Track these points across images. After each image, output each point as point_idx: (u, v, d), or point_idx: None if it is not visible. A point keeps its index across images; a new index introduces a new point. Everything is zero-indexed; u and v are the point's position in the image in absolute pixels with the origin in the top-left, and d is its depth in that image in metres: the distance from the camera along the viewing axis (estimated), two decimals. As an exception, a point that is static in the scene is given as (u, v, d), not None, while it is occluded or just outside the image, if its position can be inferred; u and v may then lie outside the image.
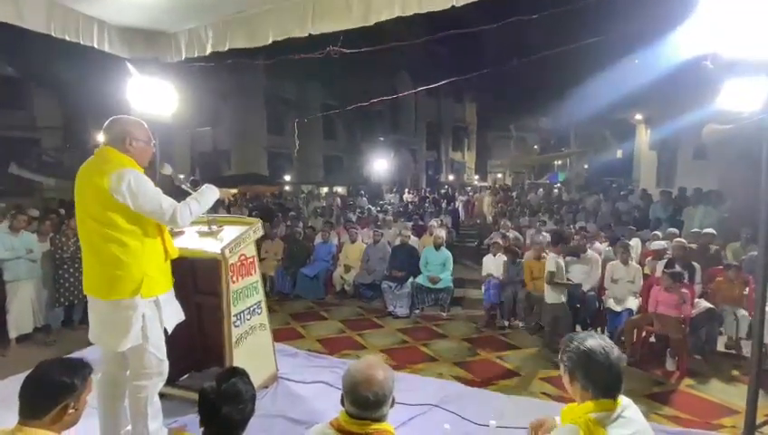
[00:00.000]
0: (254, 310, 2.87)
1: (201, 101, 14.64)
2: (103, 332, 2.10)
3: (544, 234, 6.99)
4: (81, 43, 3.09)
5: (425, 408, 2.72)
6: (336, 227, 8.19)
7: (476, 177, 31.43)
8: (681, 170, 12.18)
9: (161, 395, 2.28)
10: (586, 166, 21.42)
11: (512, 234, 7.21)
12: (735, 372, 3.86)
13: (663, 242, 5.34)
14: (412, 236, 6.94)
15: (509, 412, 2.71)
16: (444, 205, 14.14)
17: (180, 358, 2.37)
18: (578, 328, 5.02)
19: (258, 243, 6.70)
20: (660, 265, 4.78)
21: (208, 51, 3.40)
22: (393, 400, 1.37)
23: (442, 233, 6.60)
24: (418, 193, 18.73)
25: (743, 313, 4.15)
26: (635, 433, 1.32)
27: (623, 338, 4.25)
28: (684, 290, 4.07)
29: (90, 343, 2.23)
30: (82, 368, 1.39)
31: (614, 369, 1.35)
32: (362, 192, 17.10)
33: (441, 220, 9.33)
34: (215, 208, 2.65)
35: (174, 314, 2.26)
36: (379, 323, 5.31)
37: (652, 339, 4.27)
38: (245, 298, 2.80)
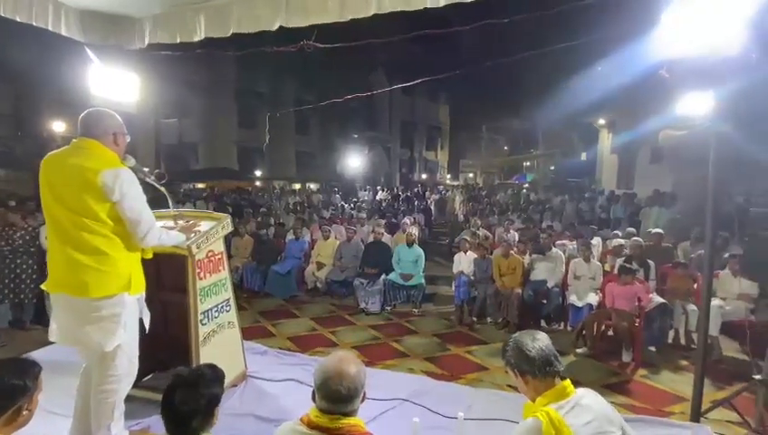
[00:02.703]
0: (222, 307, 2.79)
1: (167, 92, 14.07)
2: (84, 332, 1.99)
3: (512, 232, 7.23)
4: (35, 24, 2.88)
5: (395, 402, 2.75)
6: (309, 224, 8.10)
7: (449, 176, 31.98)
8: (639, 173, 12.90)
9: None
10: (552, 167, 22.25)
11: (481, 232, 7.39)
12: (684, 363, 4.14)
13: (622, 240, 5.65)
14: (385, 234, 6.97)
15: (477, 405, 2.78)
16: (416, 203, 14.29)
17: (144, 358, 2.27)
18: (542, 323, 5.24)
19: (227, 239, 6.59)
20: (619, 263, 5.05)
21: (175, 39, 3.27)
22: (364, 394, 1.38)
23: (414, 231, 6.67)
24: (392, 191, 18.82)
25: (692, 307, 4.46)
26: (593, 420, 1.39)
27: (584, 332, 4.46)
28: (639, 284, 4.33)
29: (45, 344, 2.11)
30: (32, 367, 1.35)
31: (544, 346, 1.49)
32: (336, 189, 16.99)
33: (414, 218, 9.43)
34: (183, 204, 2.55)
35: (147, 312, 2.21)
36: (351, 320, 5.31)
37: (610, 332, 4.50)
38: (213, 295, 2.72)
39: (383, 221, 8.13)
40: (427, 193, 18.25)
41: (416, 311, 5.64)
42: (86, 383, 2.15)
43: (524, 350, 1.49)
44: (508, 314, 5.08)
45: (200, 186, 16.48)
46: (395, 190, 19.52)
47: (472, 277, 5.55)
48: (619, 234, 6.33)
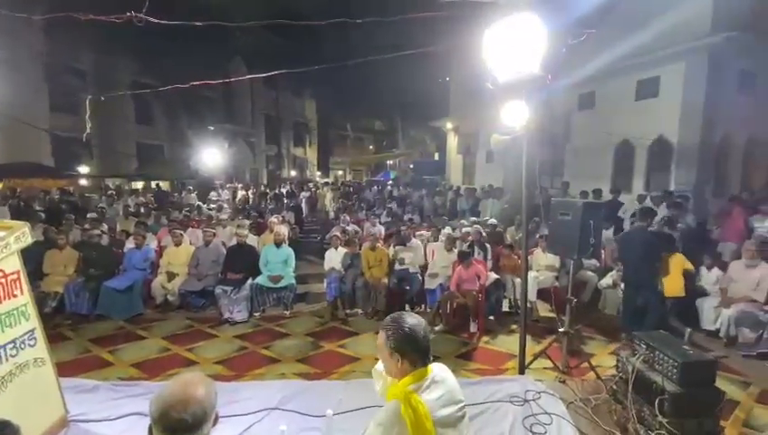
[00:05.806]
0: (23, 342, 2.15)
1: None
2: None
3: (378, 226, 7.63)
4: None
5: (262, 413, 2.59)
6: (155, 229, 7.00)
7: (319, 173, 31.90)
8: (478, 171, 15.20)
9: None
10: (412, 166, 24.39)
11: (351, 227, 7.59)
12: (514, 326, 5.04)
13: (468, 228, 6.55)
14: (250, 235, 6.52)
15: (347, 398, 2.84)
16: (286, 201, 13.80)
17: None
18: (407, 307, 5.69)
19: (40, 253, 5.18)
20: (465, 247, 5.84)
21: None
22: (217, 416, 1.24)
23: (283, 230, 6.42)
24: (258, 189, 17.73)
25: (518, 280, 5.45)
26: (444, 393, 1.55)
27: (440, 310, 5.02)
28: (479, 265, 5.09)
29: None
30: None
31: (428, 339, 1.56)
32: (190, 187, 15.11)
33: (283, 217, 9.07)
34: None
35: None
36: (212, 334, 4.80)
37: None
38: (8, 328, 2.07)
39: (248, 222, 7.58)
40: (298, 190, 17.80)
41: (287, 313, 5.44)
42: None
43: (414, 339, 1.50)
44: (377, 302, 5.35)
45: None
46: (262, 188, 18.44)
47: (343, 272, 5.64)
48: (465, 223, 7.34)
